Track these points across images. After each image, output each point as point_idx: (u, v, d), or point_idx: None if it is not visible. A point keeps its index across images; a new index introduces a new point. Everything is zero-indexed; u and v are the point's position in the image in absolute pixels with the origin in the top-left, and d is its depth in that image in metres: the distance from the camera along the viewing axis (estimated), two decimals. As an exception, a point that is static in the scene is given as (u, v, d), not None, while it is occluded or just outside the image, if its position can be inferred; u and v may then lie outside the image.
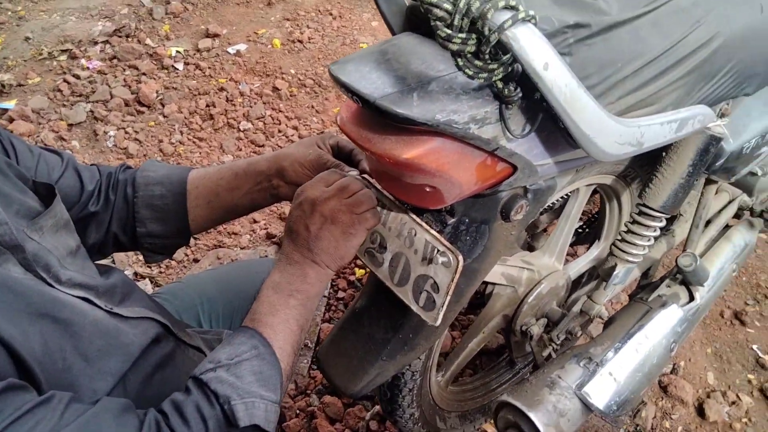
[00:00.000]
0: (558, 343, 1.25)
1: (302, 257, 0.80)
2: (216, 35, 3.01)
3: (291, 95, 2.69)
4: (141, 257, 1.98)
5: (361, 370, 0.98)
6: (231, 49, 2.93)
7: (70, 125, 2.43)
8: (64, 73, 2.71)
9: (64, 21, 3.10)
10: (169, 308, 1.06)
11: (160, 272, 1.93)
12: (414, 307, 0.85)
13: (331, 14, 3.28)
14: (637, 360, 1.13)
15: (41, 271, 0.71)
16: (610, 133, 0.73)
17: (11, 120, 2.41)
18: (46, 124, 2.43)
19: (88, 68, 2.72)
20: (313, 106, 2.65)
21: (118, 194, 0.95)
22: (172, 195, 0.95)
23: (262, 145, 2.41)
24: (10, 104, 2.49)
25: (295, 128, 2.51)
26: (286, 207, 2.17)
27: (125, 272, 1.90)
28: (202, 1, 3.27)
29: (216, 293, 1.15)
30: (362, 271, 1.94)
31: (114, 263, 1.92)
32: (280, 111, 2.60)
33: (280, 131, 2.49)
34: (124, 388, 0.76)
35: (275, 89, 2.70)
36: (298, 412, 1.55)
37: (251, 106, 2.59)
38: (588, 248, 1.39)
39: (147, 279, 1.89)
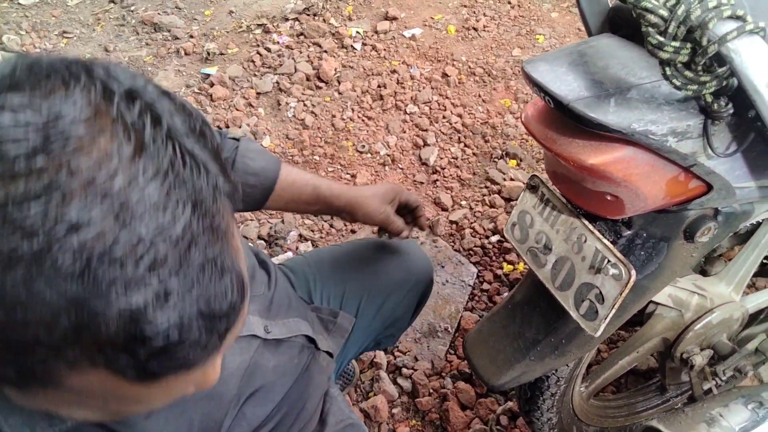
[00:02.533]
0: (723, 379, 1.15)
1: None
2: (394, 18, 3.11)
3: (459, 82, 2.71)
4: (308, 219, 2.15)
5: (506, 365, 0.99)
6: (407, 33, 3.01)
7: (258, 94, 2.68)
8: (258, 45, 2.98)
9: (262, -2, 3.40)
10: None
11: (321, 237, 2.08)
12: (574, 314, 0.83)
13: (509, 2, 3.22)
14: (818, 416, 1.01)
15: None
16: (834, 162, 0.66)
17: (212, 85, 2.72)
18: (239, 91, 2.70)
19: (278, 43, 2.97)
20: (480, 95, 2.64)
21: None
22: (261, 188, 0.99)
23: (426, 130, 2.46)
24: (212, 70, 2.81)
25: (460, 116, 2.53)
26: (441, 192, 2.21)
27: (291, 234, 2.08)
28: (385, -16, 3.39)
29: (329, 273, 1.17)
30: (510, 266, 1.92)
31: (283, 222, 2.11)
32: (447, 97, 2.63)
33: (444, 117, 2.52)
34: None
35: (444, 75, 2.73)
36: (431, 391, 1.60)
37: (419, 90, 2.65)
38: (773, 282, 1.25)
39: (309, 242, 2.05)
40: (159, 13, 3.28)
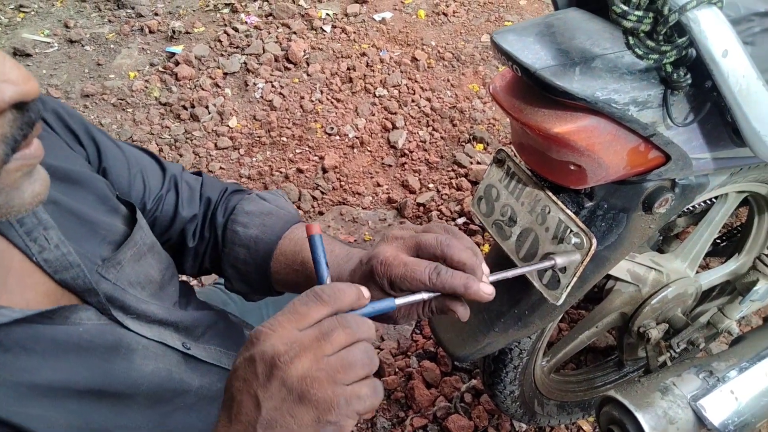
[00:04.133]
0: (677, 351, 1.20)
1: None
2: (364, 1, 3.09)
3: (428, 67, 2.72)
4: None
5: (471, 337, 1.00)
6: (377, 16, 3.00)
7: (225, 74, 2.64)
8: (225, 25, 2.93)
9: (230, -23, 3.33)
10: (234, 309, 1.02)
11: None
12: (537, 284, 0.85)
13: (479, -11, 3.24)
14: (764, 385, 1.06)
15: (117, 312, 0.65)
16: (785, 133, 0.69)
17: (177, 64, 2.66)
18: (205, 71, 2.65)
19: (246, 23, 2.92)
20: (448, 80, 2.66)
21: (212, 237, 0.85)
22: (254, 263, 0.81)
23: (395, 113, 2.47)
24: (177, 49, 2.74)
25: (428, 100, 2.54)
26: (409, 175, 2.22)
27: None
28: (355, -32, 3.37)
29: (282, 297, 0.96)
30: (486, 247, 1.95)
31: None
32: (416, 81, 2.64)
33: (413, 101, 2.53)
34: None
35: (414, 59, 2.73)
36: (396, 370, 1.62)
37: (389, 74, 2.65)
38: (724, 261, 1.30)
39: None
40: (122, -11, 3.19)
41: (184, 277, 1.46)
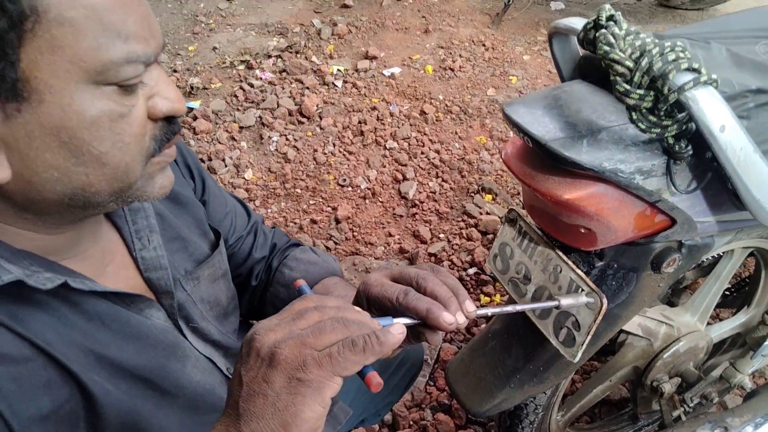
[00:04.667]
0: (690, 406, 1.21)
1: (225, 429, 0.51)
2: (374, 57, 3.22)
3: (437, 120, 2.80)
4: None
5: (487, 392, 1.02)
6: (386, 72, 3.11)
7: (241, 128, 2.73)
8: (241, 81, 3.05)
9: (246, 35, 3.48)
10: None
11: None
12: (554, 341, 0.88)
13: (483, 45, 3.36)
14: (780, 440, 1.06)
15: (181, 320, 0.72)
16: (783, 199, 0.72)
17: (195, 118, 2.76)
18: (221, 125, 2.75)
19: (261, 78, 3.04)
20: (456, 132, 2.73)
21: (265, 278, 0.95)
22: (290, 301, 0.90)
23: (405, 165, 2.53)
24: (196, 104, 2.85)
25: (437, 152, 2.61)
26: (420, 225, 2.27)
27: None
28: (365, 25, 3.51)
29: None
30: (487, 298, 1.97)
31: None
32: (425, 134, 2.71)
33: (422, 153, 2.60)
34: None
35: (423, 113, 2.82)
36: (411, 423, 1.62)
37: (399, 127, 2.73)
38: (734, 313, 1.32)
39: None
40: (142, 47, 3.33)
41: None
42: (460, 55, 3.26)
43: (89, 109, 0.49)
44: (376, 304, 0.64)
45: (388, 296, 0.62)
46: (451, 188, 2.45)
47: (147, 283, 0.70)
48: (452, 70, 3.13)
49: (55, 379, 0.56)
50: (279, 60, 3.19)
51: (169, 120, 0.57)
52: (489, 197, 2.38)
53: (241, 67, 3.17)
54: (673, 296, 1.37)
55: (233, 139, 2.68)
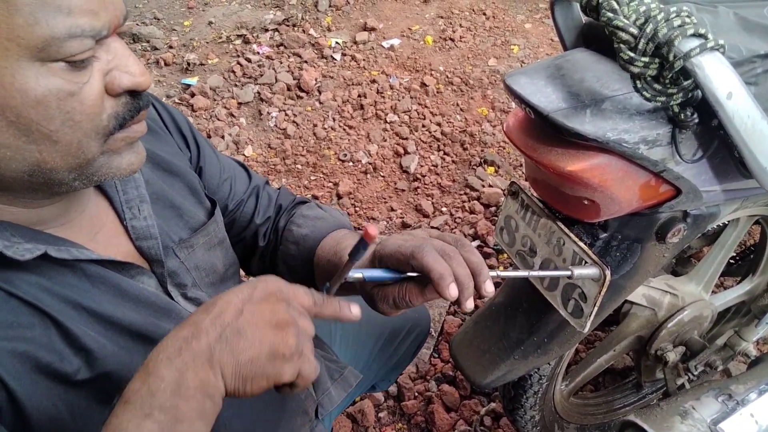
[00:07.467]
0: (695, 374, 1.21)
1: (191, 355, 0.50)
2: (373, 29, 3.16)
3: (437, 92, 2.77)
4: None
5: (492, 364, 1.03)
6: (385, 44, 3.06)
7: (240, 104, 2.70)
8: (238, 56, 3.01)
9: (242, 9, 3.42)
10: None
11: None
12: (563, 313, 0.87)
13: (484, 14, 3.30)
14: (784, 406, 1.07)
15: (172, 286, 0.72)
16: (791, 167, 0.71)
17: (192, 95, 2.73)
18: (219, 101, 2.72)
19: (258, 53, 3.00)
20: (457, 104, 2.70)
21: (274, 238, 0.95)
22: (301, 258, 0.90)
23: (406, 138, 2.51)
24: (193, 81, 2.82)
25: (438, 124, 2.58)
26: (422, 199, 2.26)
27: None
28: (363, -4, 3.45)
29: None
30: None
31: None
32: (426, 106, 2.68)
33: (423, 126, 2.57)
34: None
35: (423, 85, 2.79)
36: (416, 394, 1.64)
37: (399, 100, 2.70)
38: (739, 281, 1.32)
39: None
40: (138, 24, 3.28)
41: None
42: (461, 25, 3.20)
43: (34, 87, 0.48)
44: (387, 261, 0.64)
45: (402, 252, 0.61)
46: (453, 161, 2.43)
47: (138, 251, 0.70)
48: (452, 40, 3.08)
49: (49, 336, 0.57)
50: (276, 34, 3.14)
51: (134, 95, 0.56)
52: (491, 170, 2.37)
53: (238, 41, 3.12)
54: (677, 265, 1.36)
55: (232, 115, 2.65)
